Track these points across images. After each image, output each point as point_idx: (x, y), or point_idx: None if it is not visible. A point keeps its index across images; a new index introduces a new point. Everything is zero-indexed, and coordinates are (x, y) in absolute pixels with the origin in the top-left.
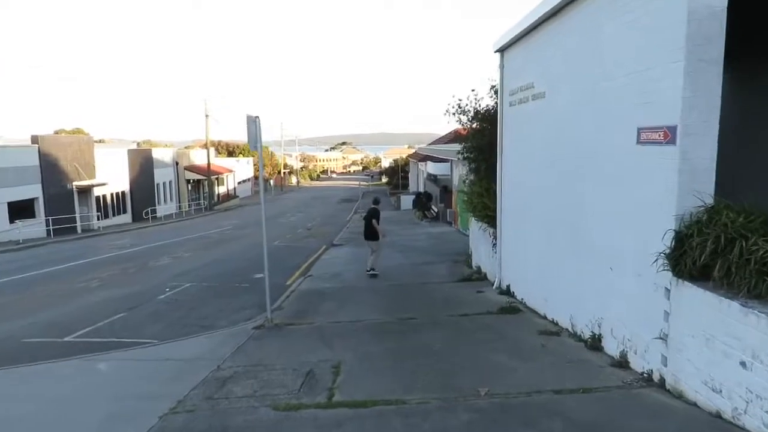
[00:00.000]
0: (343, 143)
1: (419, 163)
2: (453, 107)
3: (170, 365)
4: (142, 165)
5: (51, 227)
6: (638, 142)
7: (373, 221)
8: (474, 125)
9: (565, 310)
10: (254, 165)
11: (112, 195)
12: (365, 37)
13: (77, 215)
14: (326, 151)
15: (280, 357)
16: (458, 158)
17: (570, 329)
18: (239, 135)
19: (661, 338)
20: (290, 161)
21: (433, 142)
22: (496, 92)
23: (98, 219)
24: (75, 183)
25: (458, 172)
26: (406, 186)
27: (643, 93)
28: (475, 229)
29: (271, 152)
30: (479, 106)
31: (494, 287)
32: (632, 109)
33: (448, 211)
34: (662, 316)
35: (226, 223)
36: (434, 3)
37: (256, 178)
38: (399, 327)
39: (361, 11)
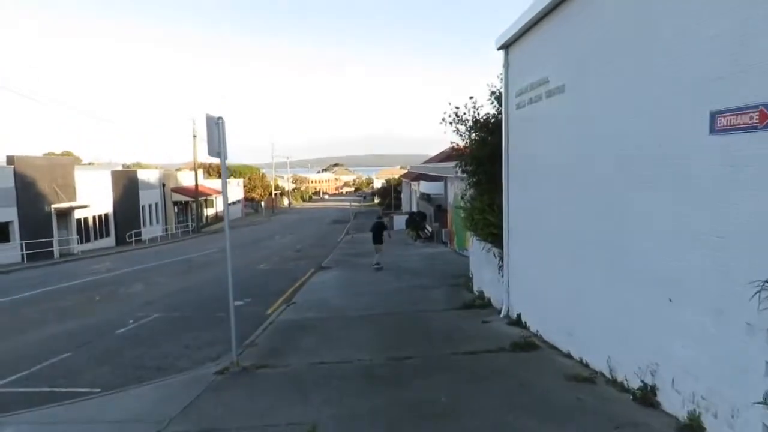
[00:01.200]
0: (336, 165)
1: (412, 182)
2: (449, 116)
3: None
4: (127, 187)
5: (25, 252)
6: (713, 131)
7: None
8: (473, 135)
9: (600, 350)
10: (244, 186)
11: (94, 218)
12: (358, 60)
13: (55, 239)
14: (318, 172)
15: (241, 417)
16: (456, 173)
17: (608, 374)
18: (231, 157)
19: (765, 403)
20: (282, 183)
21: (426, 161)
22: (497, 98)
23: (79, 243)
24: (54, 205)
25: (453, 190)
26: (398, 206)
27: (729, 62)
28: (477, 249)
29: (262, 174)
30: (478, 114)
31: (501, 315)
32: (703, 87)
33: (443, 230)
34: (765, 370)
35: (212, 246)
36: (429, 25)
37: (246, 199)
38: (393, 371)
39: (355, 33)
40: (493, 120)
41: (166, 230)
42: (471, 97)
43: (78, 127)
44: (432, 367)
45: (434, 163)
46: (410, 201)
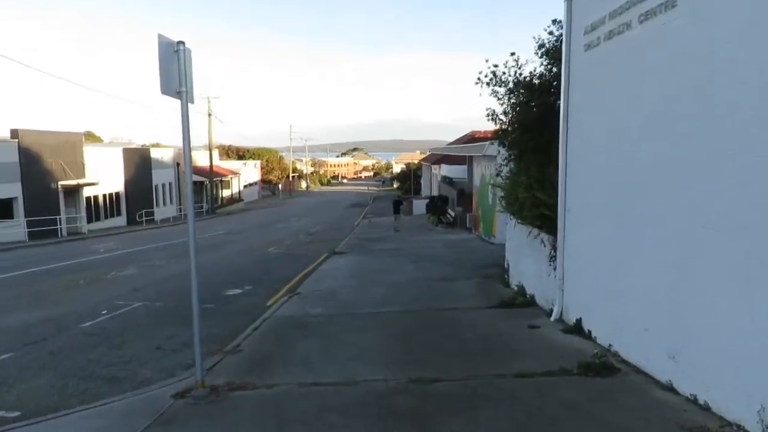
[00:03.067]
0: (355, 149)
1: (432, 166)
2: (486, 76)
3: None
4: (139, 165)
5: (27, 229)
6: None
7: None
8: (513, 99)
9: (738, 388)
10: (261, 168)
11: (104, 196)
12: (379, 44)
13: (62, 217)
14: (338, 156)
15: None
16: (483, 152)
17: (755, 428)
18: (249, 140)
19: None
20: (300, 166)
21: (450, 144)
22: (547, 52)
23: (88, 221)
24: (61, 182)
25: (479, 172)
26: (418, 191)
27: None
28: (517, 235)
29: (280, 156)
30: (521, 74)
31: (553, 319)
32: None
33: (467, 215)
34: None
35: (222, 227)
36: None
37: (263, 181)
38: (416, 403)
39: (374, 17)
40: (541, 79)
41: (180, 210)
42: (512, 54)
43: (99, 107)
44: (472, 397)
45: (457, 145)
46: (431, 185)
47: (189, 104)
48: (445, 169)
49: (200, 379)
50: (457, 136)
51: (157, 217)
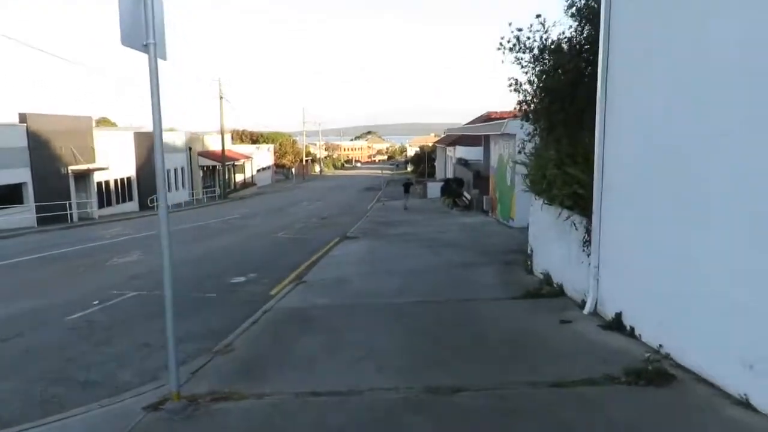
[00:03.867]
0: (369, 133)
1: (447, 148)
2: (509, 42)
3: None
4: (151, 149)
5: (37, 215)
6: None
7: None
8: (538, 68)
9: None
10: (275, 152)
11: (116, 181)
12: (394, 27)
13: (73, 202)
14: (351, 140)
15: None
16: (511, 123)
17: None
18: (263, 125)
19: None
20: (314, 150)
21: (465, 125)
22: (578, 11)
23: (99, 207)
24: (71, 167)
25: (497, 152)
26: (432, 174)
27: None
28: (543, 217)
29: (293, 140)
30: (547, 38)
31: (586, 311)
32: None
33: (484, 198)
34: None
35: (234, 212)
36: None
37: (276, 166)
38: (435, 422)
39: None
40: (570, 42)
41: (193, 195)
42: (538, 16)
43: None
44: (501, 413)
45: (468, 130)
46: (445, 168)
47: (161, 63)
48: (461, 151)
49: (175, 390)
50: (471, 119)
51: (170, 201)
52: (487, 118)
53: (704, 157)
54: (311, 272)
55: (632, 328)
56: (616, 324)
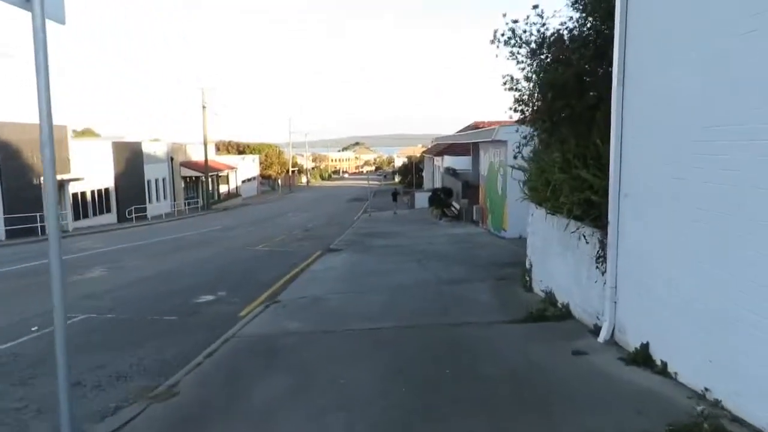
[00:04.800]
0: (356, 144)
1: (435, 158)
2: (503, 35)
3: None
4: (130, 160)
5: (6, 227)
6: None
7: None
8: (536, 62)
9: None
10: (260, 163)
11: (92, 192)
12: (380, 38)
13: (44, 214)
14: (339, 151)
15: None
16: (501, 130)
17: None
18: (251, 135)
19: None
20: (301, 161)
21: (455, 134)
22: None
23: (75, 219)
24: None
25: (487, 160)
26: (420, 184)
27: None
28: (545, 228)
29: (279, 151)
30: (546, 30)
31: (601, 339)
32: None
33: (474, 208)
34: None
35: (215, 224)
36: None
37: (262, 176)
38: None
39: (374, 14)
40: (572, 33)
41: (174, 206)
42: (535, 7)
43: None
44: None
45: (458, 138)
46: (433, 178)
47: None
48: (449, 161)
49: None
50: (459, 129)
51: (150, 213)
52: (474, 127)
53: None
54: (288, 290)
55: (665, 364)
56: (643, 357)
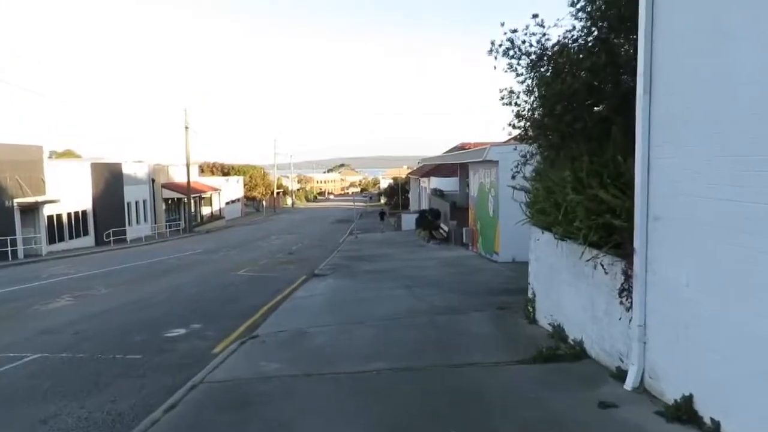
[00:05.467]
0: (342, 165)
1: (421, 179)
2: (500, 45)
3: None
4: (109, 181)
5: None
6: None
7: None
8: (536, 74)
9: None
10: (245, 185)
11: (69, 215)
12: (366, 61)
13: (18, 237)
14: (324, 173)
15: None
16: (492, 150)
17: None
18: (236, 157)
19: None
20: (286, 182)
21: (442, 154)
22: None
23: (51, 242)
24: (17, 200)
25: (477, 181)
26: (406, 206)
27: None
28: (551, 254)
29: (264, 172)
30: (547, 40)
31: (629, 386)
32: None
33: (463, 230)
34: None
35: (197, 247)
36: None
37: (247, 198)
38: None
39: (361, 35)
40: (579, 44)
41: (155, 229)
42: (535, 16)
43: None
44: None
45: (446, 159)
46: (419, 199)
47: None
48: (435, 182)
49: None
50: (445, 150)
51: (130, 236)
52: (461, 148)
53: None
54: (268, 321)
55: (716, 424)
56: (686, 412)
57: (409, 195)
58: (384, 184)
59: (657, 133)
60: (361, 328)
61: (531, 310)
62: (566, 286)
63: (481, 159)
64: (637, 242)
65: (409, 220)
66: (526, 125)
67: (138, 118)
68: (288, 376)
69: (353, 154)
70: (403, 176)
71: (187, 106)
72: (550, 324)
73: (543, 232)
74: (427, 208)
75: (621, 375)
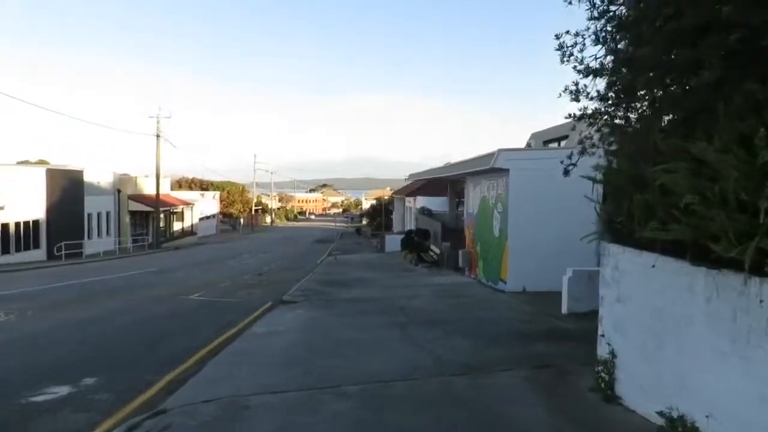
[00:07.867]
0: (324, 185)
1: (406, 198)
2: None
3: None
4: (68, 189)
5: None
6: None
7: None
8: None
9: None
10: (221, 201)
11: (17, 225)
12: (346, 81)
13: None
14: (306, 192)
15: None
16: (502, 155)
17: None
18: (217, 173)
19: None
20: (266, 200)
21: (431, 170)
22: None
23: None
24: None
25: (477, 195)
26: (389, 227)
27: None
28: (677, 293)
29: (242, 188)
30: None
31: None
32: None
33: (459, 252)
34: None
35: (156, 264)
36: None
37: (224, 215)
38: None
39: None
40: None
41: (118, 244)
42: None
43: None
44: None
45: (441, 171)
46: (404, 220)
47: None
48: (422, 201)
49: None
50: (431, 168)
51: (88, 250)
52: (447, 167)
53: None
54: (199, 375)
55: None
56: None
57: (393, 215)
58: (366, 205)
59: None
60: (334, 403)
61: (608, 378)
62: (708, 351)
63: (488, 167)
64: None
65: (393, 241)
66: (616, 83)
67: (117, 133)
68: None
69: (335, 175)
70: (386, 197)
71: (159, 114)
72: (662, 413)
73: (638, 253)
74: (413, 228)
75: None
